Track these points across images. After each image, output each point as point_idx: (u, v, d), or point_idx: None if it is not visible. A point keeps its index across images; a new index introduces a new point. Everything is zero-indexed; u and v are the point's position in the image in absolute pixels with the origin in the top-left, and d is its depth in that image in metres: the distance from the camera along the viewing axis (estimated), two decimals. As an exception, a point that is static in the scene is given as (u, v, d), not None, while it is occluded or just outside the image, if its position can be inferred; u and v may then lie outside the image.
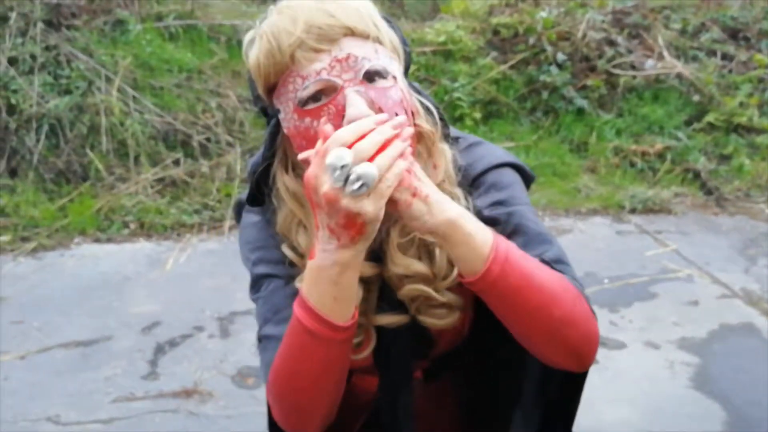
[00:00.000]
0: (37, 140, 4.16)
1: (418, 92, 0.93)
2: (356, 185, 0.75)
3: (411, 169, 0.78)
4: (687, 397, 2.60)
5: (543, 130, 5.14)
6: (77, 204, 4.07)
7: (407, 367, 1.01)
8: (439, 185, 0.89)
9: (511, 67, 5.32)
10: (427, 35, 5.36)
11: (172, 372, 2.75)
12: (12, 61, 4.32)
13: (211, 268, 3.56)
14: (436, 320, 0.95)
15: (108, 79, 4.39)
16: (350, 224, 0.77)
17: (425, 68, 5.20)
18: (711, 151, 4.97)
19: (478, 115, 5.09)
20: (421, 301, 0.95)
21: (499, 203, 0.94)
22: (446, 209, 0.80)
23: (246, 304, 2.73)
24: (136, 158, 4.30)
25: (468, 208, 0.92)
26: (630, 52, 5.50)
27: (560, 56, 5.25)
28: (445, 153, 0.94)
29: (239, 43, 4.91)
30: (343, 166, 0.75)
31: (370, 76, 0.85)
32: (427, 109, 0.93)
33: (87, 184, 4.17)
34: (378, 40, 0.88)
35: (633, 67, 5.42)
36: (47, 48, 4.41)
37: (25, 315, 3.14)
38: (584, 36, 5.38)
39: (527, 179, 1.04)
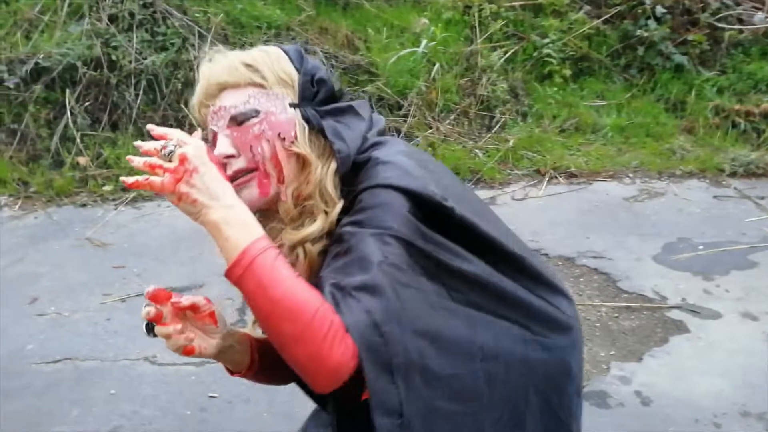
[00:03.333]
0: (136, 95, 4.35)
1: (307, 120, 1.06)
2: None
3: (186, 178, 0.93)
4: (786, 373, 2.47)
5: (637, 88, 4.91)
6: (172, 157, 4.24)
7: None
8: (309, 196, 1.05)
9: (605, 21, 5.08)
10: (517, -12, 5.18)
11: (261, 320, 2.86)
12: (112, 19, 4.50)
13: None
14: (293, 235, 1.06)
15: (201, 36, 4.50)
16: None
17: (513, 24, 5.04)
18: (824, 113, 4.61)
19: (567, 72, 4.91)
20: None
21: (355, 223, 0.99)
22: (209, 214, 0.94)
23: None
24: (227, 113, 4.42)
25: (332, 220, 1.04)
26: (737, 4, 5.14)
27: (659, 9, 4.97)
28: (318, 169, 1.05)
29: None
30: None
31: (239, 119, 1.04)
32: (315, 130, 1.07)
33: (181, 138, 4.33)
34: (256, 84, 1.06)
35: (740, 21, 5.06)
36: (144, 5, 4.55)
37: (126, 260, 3.34)
38: (687, -13, 5.05)
39: (434, 207, 1.00)
